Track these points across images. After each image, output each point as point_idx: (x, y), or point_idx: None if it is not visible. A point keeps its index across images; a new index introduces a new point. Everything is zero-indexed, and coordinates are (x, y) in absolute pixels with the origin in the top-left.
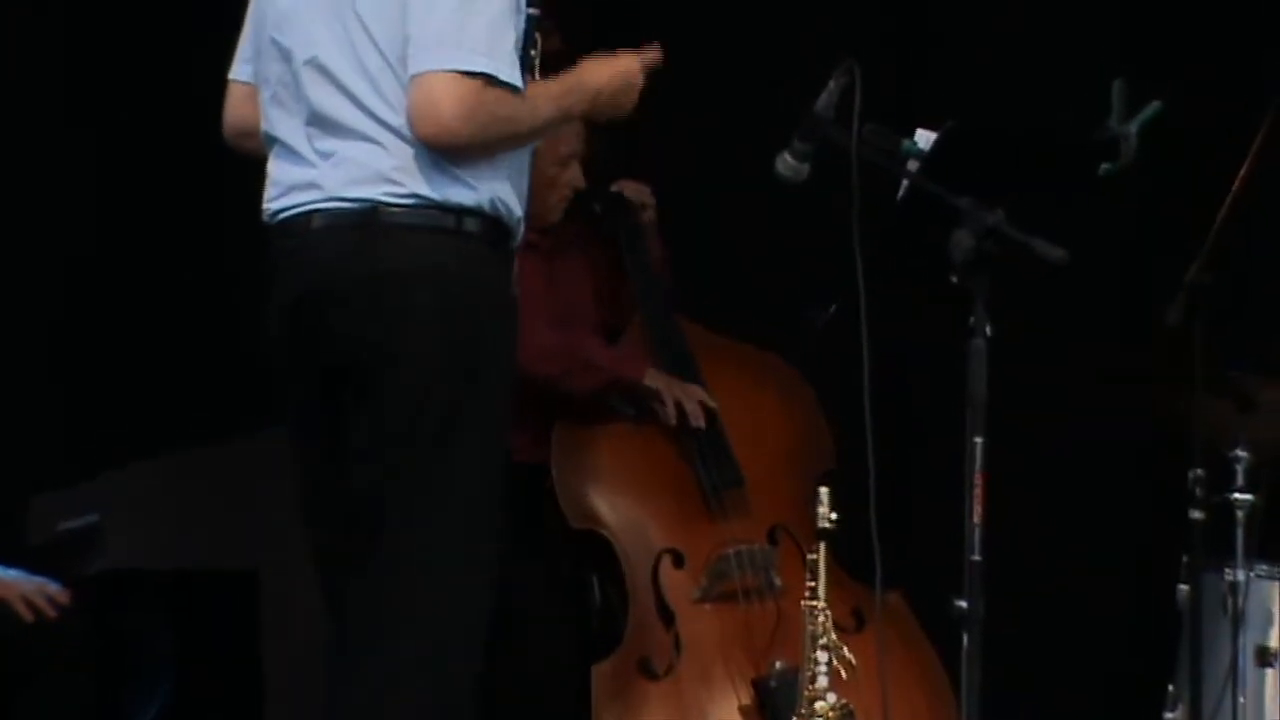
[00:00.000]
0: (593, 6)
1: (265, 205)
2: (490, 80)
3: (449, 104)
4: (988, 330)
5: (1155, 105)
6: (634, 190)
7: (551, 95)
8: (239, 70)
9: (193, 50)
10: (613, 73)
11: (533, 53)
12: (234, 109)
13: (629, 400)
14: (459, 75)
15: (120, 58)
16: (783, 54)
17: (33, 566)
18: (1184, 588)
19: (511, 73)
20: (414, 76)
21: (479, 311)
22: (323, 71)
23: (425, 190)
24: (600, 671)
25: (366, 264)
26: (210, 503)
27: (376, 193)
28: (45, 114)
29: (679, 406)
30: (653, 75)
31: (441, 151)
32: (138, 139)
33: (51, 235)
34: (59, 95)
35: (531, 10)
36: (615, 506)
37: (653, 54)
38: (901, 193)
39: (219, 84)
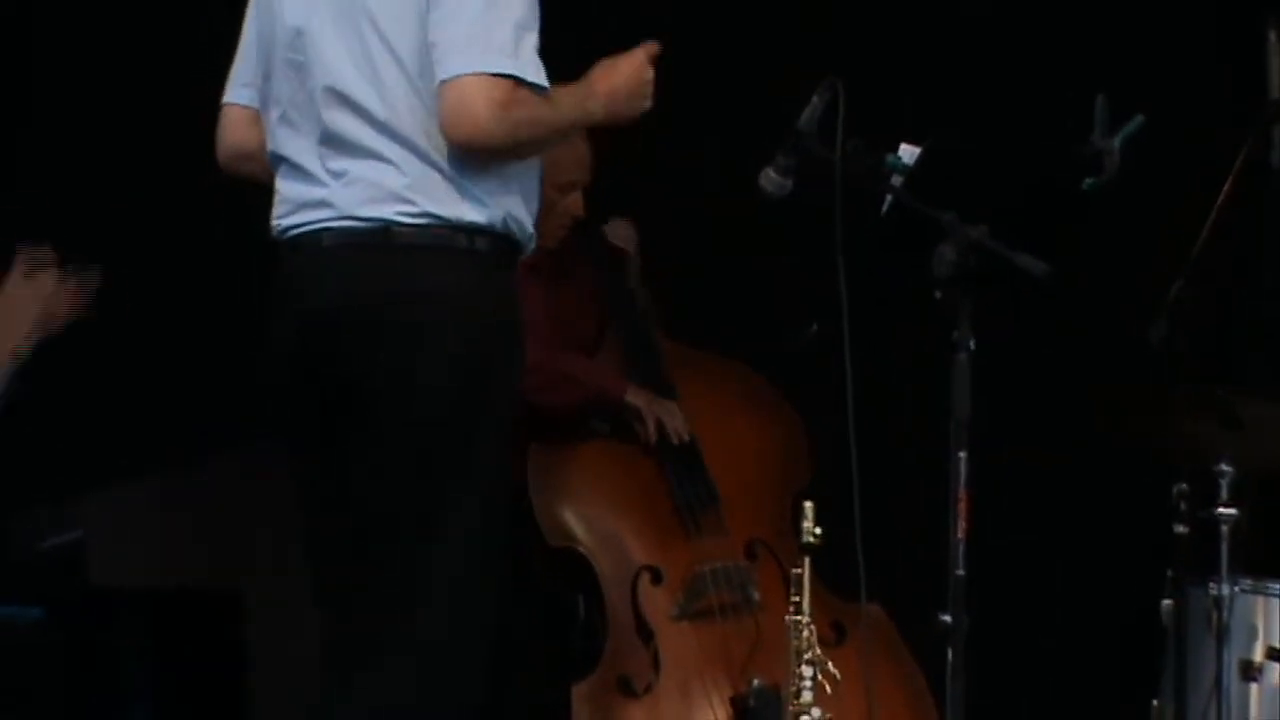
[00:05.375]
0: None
1: (274, 221)
2: (518, 83)
3: (483, 105)
4: (971, 345)
5: (1138, 120)
6: (619, 233)
7: (574, 98)
8: (237, 94)
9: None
10: (625, 73)
11: None
12: (232, 133)
13: (605, 417)
14: (490, 77)
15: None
16: (767, 68)
17: (14, 583)
18: (1168, 602)
19: (537, 74)
20: (443, 82)
21: (489, 332)
22: (339, 96)
23: (438, 209)
24: (579, 691)
25: (378, 284)
26: (194, 522)
27: (389, 212)
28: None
29: (659, 424)
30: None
31: (475, 154)
32: (133, 151)
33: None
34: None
35: None
36: (592, 524)
37: (651, 47)
38: (885, 208)
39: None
